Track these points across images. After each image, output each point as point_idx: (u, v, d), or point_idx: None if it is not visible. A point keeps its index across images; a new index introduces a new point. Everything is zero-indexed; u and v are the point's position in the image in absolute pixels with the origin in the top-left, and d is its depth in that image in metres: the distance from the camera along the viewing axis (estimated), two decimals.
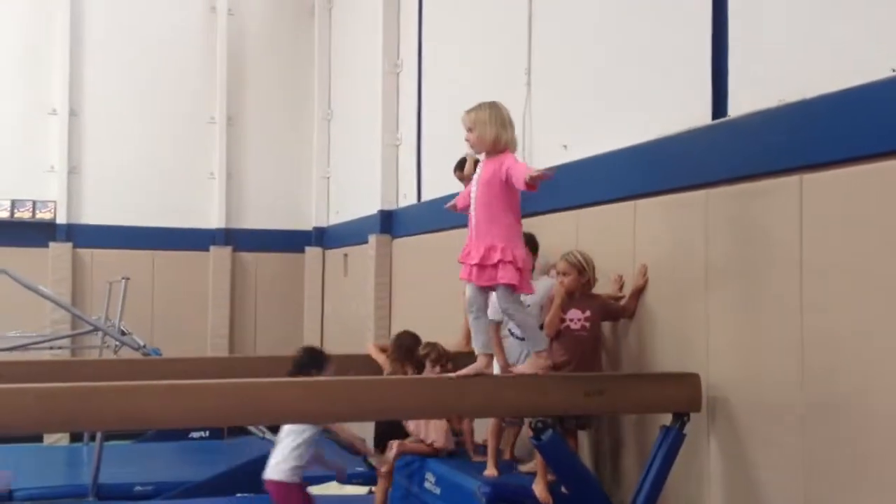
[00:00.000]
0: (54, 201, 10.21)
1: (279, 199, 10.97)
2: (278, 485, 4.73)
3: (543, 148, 5.86)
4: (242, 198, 10.88)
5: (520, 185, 3.75)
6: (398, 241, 8.51)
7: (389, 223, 8.59)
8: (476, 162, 6.10)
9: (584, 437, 4.94)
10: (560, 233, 5.38)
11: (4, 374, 4.78)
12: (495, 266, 3.79)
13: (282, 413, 3.65)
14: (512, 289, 3.84)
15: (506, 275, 3.79)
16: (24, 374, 4.72)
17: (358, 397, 3.64)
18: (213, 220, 10.69)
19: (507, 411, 4.28)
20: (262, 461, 7.35)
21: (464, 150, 6.26)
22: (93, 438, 7.96)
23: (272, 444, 7.69)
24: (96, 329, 8.09)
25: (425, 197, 7.95)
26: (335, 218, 10.58)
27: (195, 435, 9.70)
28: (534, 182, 3.70)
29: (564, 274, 4.65)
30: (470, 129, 4.00)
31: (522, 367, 4.07)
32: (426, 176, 8.00)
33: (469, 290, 3.96)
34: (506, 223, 3.86)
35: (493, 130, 3.92)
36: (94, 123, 10.40)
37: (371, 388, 3.73)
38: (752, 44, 4.06)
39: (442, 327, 6.08)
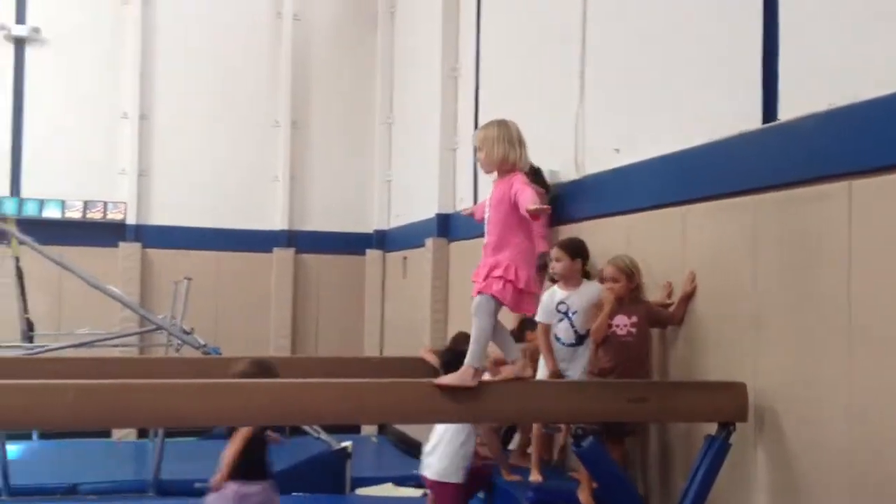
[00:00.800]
0: (124, 202, 10.48)
1: (341, 202, 11.07)
2: (447, 486, 4.80)
3: (596, 152, 5.82)
4: (305, 200, 11.02)
5: (523, 212, 3.71)
6: (455, 245, 8.53)
7: (446, 227, 8.61)
8: (534, 171, 6.09)
9: (628, 445, 4.88)
10: (610, 238, 5.33)
11: (63, 370, 4.94)
12: (496, 280, 3.75)
13: (314, 414, 3.69)
14: (498, 302, 3.77)
15: (503, 294, 3.73)
16: (83, 371, 4.85)
17: (390, 400, 3.65)
18: (277, 222, 10.85)
19: (545, 417, 4.25)
20: (316, 461, 7.54)
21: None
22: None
23: (327, 444, 7.87)
24: (159, 328, 8.28)
25: (481, 200, 7.93)
26: (395, 221, 10.65)
27: None
28: (534, 214, 3.66)
29: (614, 280, 4.60)
30: (479, 149, 3.97)
31: (445, 378, 3.80)
32: (483, 179, 7.98)
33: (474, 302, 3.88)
34: (514, 243, 3.82)
35: (501, 149, 3.88)
36: (164, 127, 10.65)
37: (404, 391, 3.73)
38: (802, 47, 3.97)
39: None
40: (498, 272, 3.75)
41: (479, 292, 3.80)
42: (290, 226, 10.89)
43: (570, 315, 4.79)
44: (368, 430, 9.87)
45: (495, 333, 3.89)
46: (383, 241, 10.90)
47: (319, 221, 11.02)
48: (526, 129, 6.80)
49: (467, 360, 3.76)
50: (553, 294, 4.91)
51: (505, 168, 3.91)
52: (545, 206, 3.73)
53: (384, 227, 10.91)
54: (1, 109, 10.19)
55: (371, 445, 9.69)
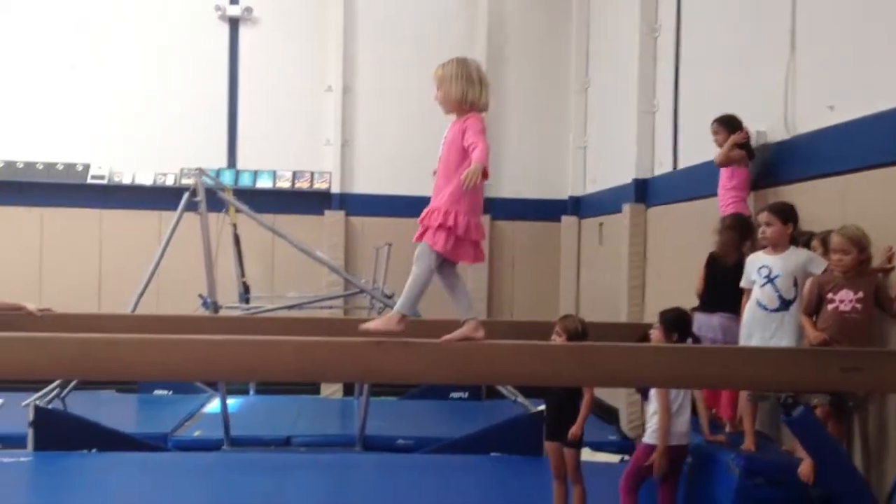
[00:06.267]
0: (329, 172, 10.98)
1: (536, 168, 11.09)
2: (678, 448, 4.87)
3: (808, 110, 5.52)
4: (500, 167, 11.08)
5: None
6: (653, 210, 8.34)
7: (644, 192, 8.43)
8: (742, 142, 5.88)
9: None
10: (823, 201, 5.06)
11: (280, 328, 5.26)
12: (434, 229, 3.63)
13: (510, 375, 3.73)
14: (448, 256, 3.67)
15: (436, 240, 3.61)
16: (295, 330, 5.13)
17: (594, 362, 3.64)
18: None
19: (751, 384, 4.10)
20: (513, 423, 7.66)
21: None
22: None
23: (523, 407, 7.96)
24: (362, 291, 8.63)
25: (682, 164, 7.72)
26: (591, 187, 10.54)
27: (455, 395, 10.15)
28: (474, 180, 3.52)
29: (843, 252, 4.30)
30: (437, 87, 3.79)
31: (370, 323, 3.77)
32: (683, 143, 7.76)
33: None
34: (457, 186, 3.62)
35: (460, 87, 3.70)
36: (365, 99, 11.02)
37: (607, 354, 3.71)
38: None
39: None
40: (437, 220, 3.62)
41: (418, 239, 3.71)
42: (486, 193, 10.98)
43: (773, 279, 4.59)
44: None
45: (451, 288, 3.79)
46: (578, 207, 10.83)
47: (514, 188, 11.09)
48: (731, 88, 6.62)
49: (397, 306, 3.72)
50: (755, 259, 4.73)
51: (463, 108, 3.74)
52: (475, 179, 3.53)
53: (579, 193, 10.83)
54: (218, 87, 10.89)
55: None
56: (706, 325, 5.25)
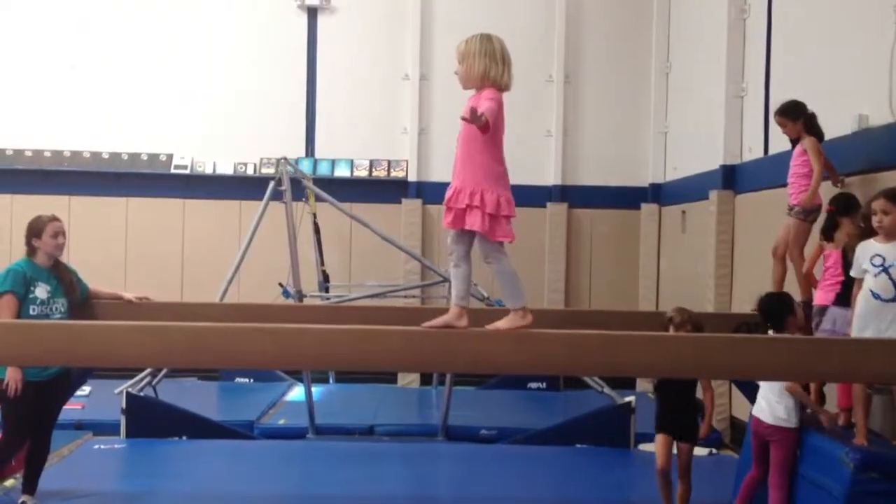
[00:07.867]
0: (406, 160, 10.96)
1: (615, 155, 10.92)
2: (790, 431, 4.77)
3: None
4: (578, 155, 10.96)
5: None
6: (741, 197, 8.13)
7: (732, 178, 8.22)
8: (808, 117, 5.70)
9: None
10: None
11: (367, 317, 5.26)
12: (464, 210, 3.51)
13: (626, 366, 3.65)
14: (486, 236, 3.53)
15: (473, 221, 3.50)
16: (382, 318, 5.11)
17: (706, 355, 3.53)
18: (550, 176, 10.89)
19: (875, 377, 3.95)
20: (601, 414, 7.56)
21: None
22: (441, 383, 8.53)
23: (610, 398, 7.85)
24: (444, 280, 8.60)
25: (773, 150, 7.50)
26: (672, 174, 10.34)
27: (533, 385, 10.09)
28: (471, 121, 3.41)
29: None
30: (460, 63, 3.69)
31: (498, 323, 3.65)
32: (775, 127, 7.52)
33: (449, 236, 3.66)
34: (480, 163, 3.53)
35: (482, 64, 3.59)
36: (441, 87, 10.93)
37: (720, 346, 3.60)
38: None
39: (788, 287, 5.75)
40: (465, 200, 3.50)
41: (452, 225, 3.58)
42: (563, 180, 10.90)
43: (888, 268, 4.41)
44: (646, 385, 9.74)
45: (454, 272, 3.69)
46: (659, 194, 10.64)
47: (593, 176, 10.95)
48: (828, 69, 6.39)
49: (513, 304, 3.64)
50: (867, 247, 4.56)
51: (485, 85, 3.63)
52: (479, 117, 3.41)
53: (660, 180, 10.63)
54: (297, 76, 10.95)
55: (648, 401, 9.56)
56: (842, 319, 5.01)
